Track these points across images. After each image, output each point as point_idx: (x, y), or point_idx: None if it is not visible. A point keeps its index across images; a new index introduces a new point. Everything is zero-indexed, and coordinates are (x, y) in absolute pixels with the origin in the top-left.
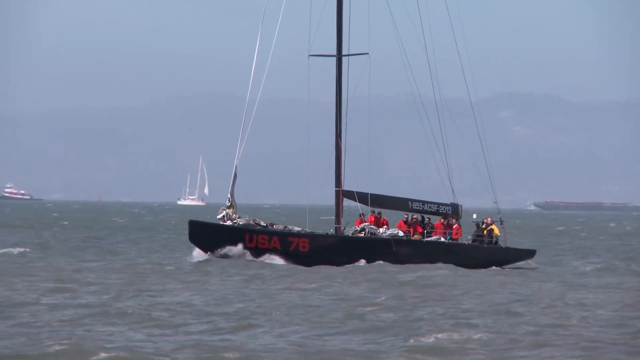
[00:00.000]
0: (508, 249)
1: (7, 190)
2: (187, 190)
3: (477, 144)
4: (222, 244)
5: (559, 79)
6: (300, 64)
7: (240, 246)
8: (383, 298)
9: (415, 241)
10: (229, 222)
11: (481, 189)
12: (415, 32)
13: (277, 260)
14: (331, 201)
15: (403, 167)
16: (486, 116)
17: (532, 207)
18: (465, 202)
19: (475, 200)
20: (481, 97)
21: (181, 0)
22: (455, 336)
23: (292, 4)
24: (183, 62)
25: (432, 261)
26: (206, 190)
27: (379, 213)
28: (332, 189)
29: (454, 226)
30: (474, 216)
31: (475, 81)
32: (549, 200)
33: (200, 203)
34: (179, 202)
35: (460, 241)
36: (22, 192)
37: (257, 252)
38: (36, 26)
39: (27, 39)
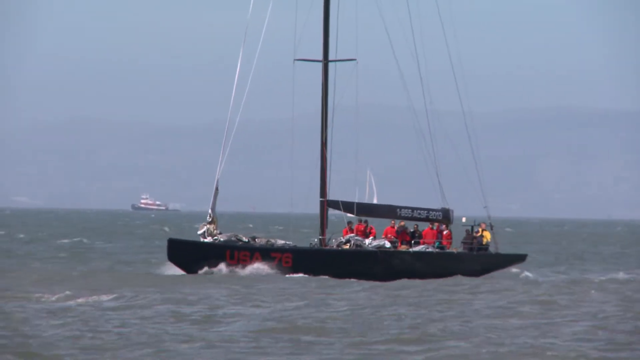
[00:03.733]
0: (498, 254)
1: (142, 201)
2: None
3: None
4: (203, 262)
5: None
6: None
7: (222, 265)
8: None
9: (402, 252)
10: (209, 239)
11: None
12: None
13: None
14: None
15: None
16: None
17: None
18: (619, 214)
19: (634, 212)
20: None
21: None
22: None
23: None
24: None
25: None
26: (375, 202)
27: (366, 222)
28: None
29: (444, 232)
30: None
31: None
32: None
33: None
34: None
35: (451, 249)
36: (157, 202)
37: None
38: (183, 41)
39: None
